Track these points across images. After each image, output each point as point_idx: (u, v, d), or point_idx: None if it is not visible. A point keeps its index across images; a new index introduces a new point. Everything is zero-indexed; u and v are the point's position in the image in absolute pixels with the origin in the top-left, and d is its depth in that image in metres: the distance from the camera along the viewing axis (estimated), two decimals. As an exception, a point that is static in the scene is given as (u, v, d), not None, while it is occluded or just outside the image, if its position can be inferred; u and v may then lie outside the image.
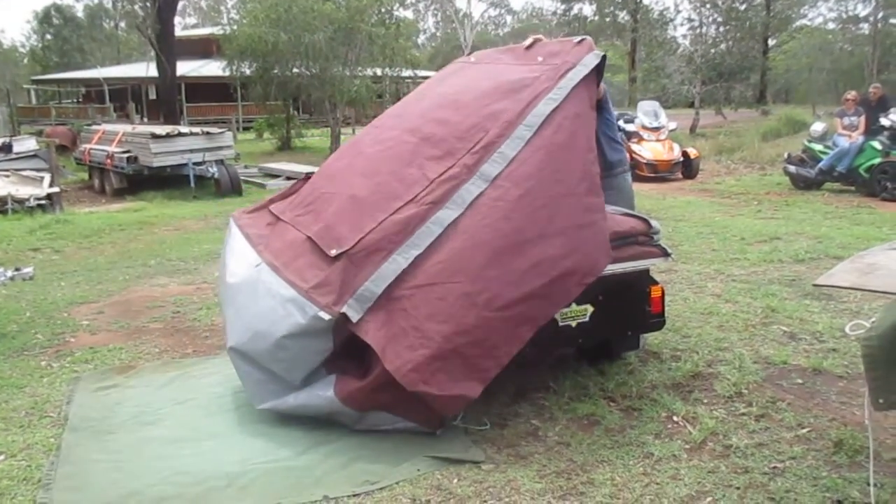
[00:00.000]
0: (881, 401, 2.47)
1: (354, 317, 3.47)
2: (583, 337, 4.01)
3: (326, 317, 3.48)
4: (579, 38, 4.14)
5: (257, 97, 22.46)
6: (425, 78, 37.39)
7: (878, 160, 11.20)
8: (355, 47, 20.06)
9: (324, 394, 3.64)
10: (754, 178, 14.51)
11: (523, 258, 3.46)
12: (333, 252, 3.66)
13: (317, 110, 25.60)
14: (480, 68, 4.73)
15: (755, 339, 4.87)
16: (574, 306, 3.86)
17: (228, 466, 3.46)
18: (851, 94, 12.22)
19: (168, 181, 13.92)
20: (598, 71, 3.97)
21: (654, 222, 4.11)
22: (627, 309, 4.13)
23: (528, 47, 4.36)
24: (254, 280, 3.94)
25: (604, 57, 4.00)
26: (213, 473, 3.40)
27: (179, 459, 3.56)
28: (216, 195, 13.41)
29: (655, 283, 4.19)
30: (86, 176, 16.36)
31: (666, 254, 4.12)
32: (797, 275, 6.47)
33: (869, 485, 3.02)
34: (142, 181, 13.86)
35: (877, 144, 11.29)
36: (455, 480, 3.28)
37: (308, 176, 4.88)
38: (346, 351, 3.65)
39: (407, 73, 23.99)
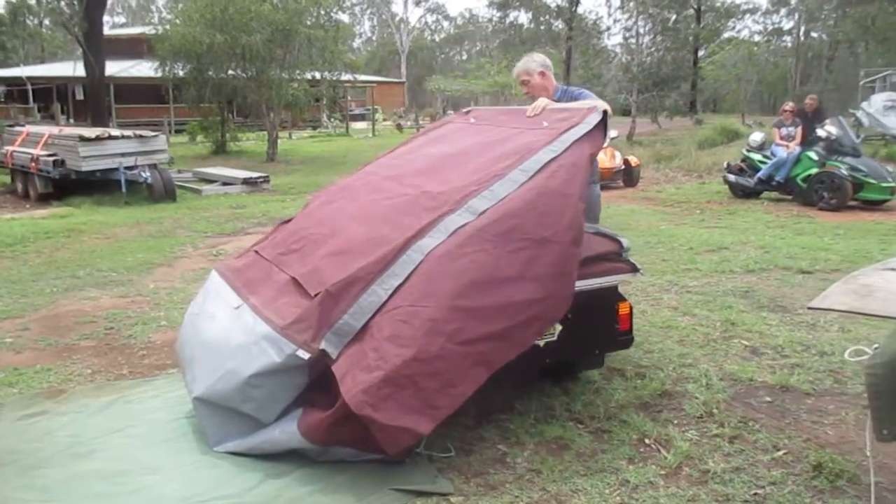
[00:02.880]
0: (885, 431, 2.35)
1: (333, 352, 3.24)
2: (550, 356, 3.83)
3: (305, 356, 3.24)
4: (590, 106, 4.01)
5: (191, 99, 21.79)
6: (365, 83, 37.07)
7: (814, 170, 11.41)
8: (293, 49, 19.69)
9: (288, 428, 3.38)
10: (693, 186, 14.68)
11: (495, 296, 3.29)
12: (315, 292, 3.46)
13: (253, 113, 24.99)
14: (483, 130, 4.58)
15: (718, 355, 4.79)
16: (542, 325, 3.68)
17: (173, 505, 3.16)
18: (789, 106, 12.46)
19: (97, 186, 13.28)
20: (603, 125, 3.88)
21: (624, 241, 3.98)
22: (596, 327, 3.97)
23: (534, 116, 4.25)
24: (232, 320, 3.68)
25: (605, 112, 3.90)
26: (157, 513, 3.10)
27: (118, 498, 3.23)
28: (149, 201, 12.86)
29: (623, 299, 4.05)
30: (8, 180, 15.49)
31: (635, 269, 3.98)
32: (750, 286, 6.46)
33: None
34: (69, 186, 13.18)
35: (813, 155, 11.51)
36: (423, 515, 3.07)
37: (287, 220, 4.65)
38: (317, 382, 3.40)
39: (346, 76, 23.67)
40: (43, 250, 8.77)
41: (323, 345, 3.27)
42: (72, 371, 4.78)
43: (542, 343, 3.74)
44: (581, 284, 3.69)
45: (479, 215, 3.50)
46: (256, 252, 4.34)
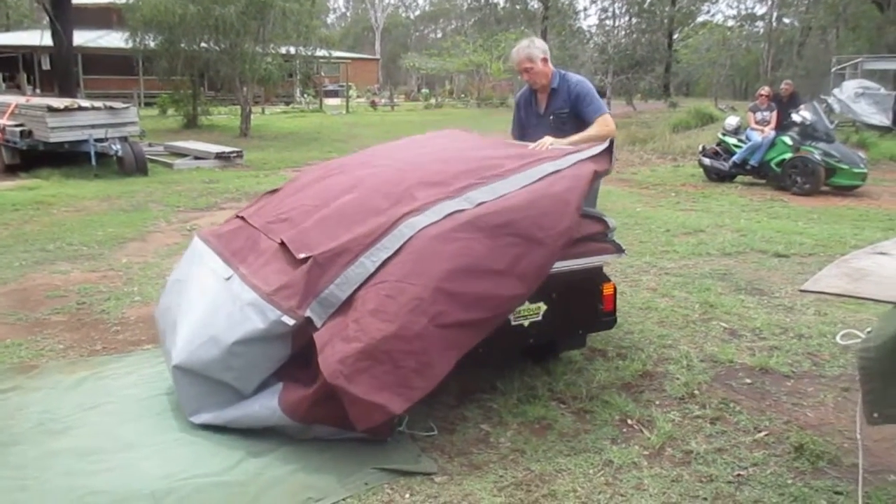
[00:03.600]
0: (876, 415, 2.35)
1: (318, 321, 3.21)
2: (534, 336, 3.81)
3: (291, 321, 3.21)
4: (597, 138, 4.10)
5: (162, 72, 21.32)
6: (339, 59, 36.60)
7: (788, 155, 11.50)
8: (268, 23, 19.36)
9: (268, 403, 3.33)
10: (668, 169, 14.73)
11: (479, 286, 3.28)
12: (302, 255, 3.41)
13: (225, 87, 24.60)
14: (484, 138, 4.80)
15: (697, 336, 4.80)
16: (527, 304, 3.65)
17: (152, 483, 3.08)
18: (765, 90, 12.52)
19: (66, 158, 12.95)
20: (609, 151, 3.97)
21: (610, 221, 3.97)
22: (580, 307, 3.95)
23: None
24: (217, 288, 3.62)
25: (611, 141, 4.00)
26: (135, 492, 3.02)
27: (94, 476, 3.16)
28: (119, 174, 12.61)
29: (608, 279, 4.03)
30: (-28, 150, 15.11)
31: (620, 250, 3.97)
32: (727, 268, 6.49)
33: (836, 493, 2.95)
34: (37, 157, 12.85)
35: (787, 140, 11.59)
36: (407, 495, 3.03)
37: (274, 190, 4.61)
38: (299, 356, 3.35)
39: (321, 52, 23.38)
40: (10, 223, 8.56)
41: (308, 313, 3.24)
42: (43, 346, 4.68)
43: (526, 323, 3.72)
44: (567, 264, 3.68)
45: (476, 205, 3.50)
46: (242, 218, 4.26)
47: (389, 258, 3.29)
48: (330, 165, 4.60)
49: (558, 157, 3.88)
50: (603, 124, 4.31)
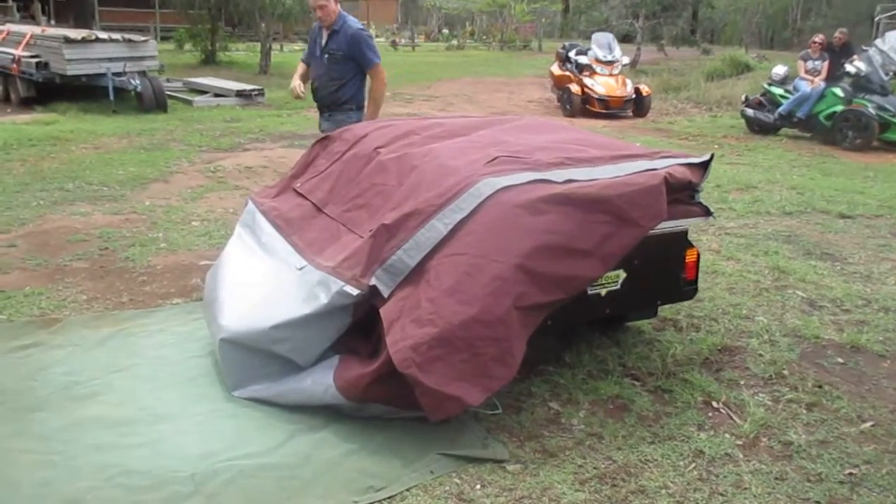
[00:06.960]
0: None
1: (385, 291, 2.86)
2: (611, 307, 3.41)
3: (354, 292, 2.87)
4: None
5: (179, 4, 20.63)
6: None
7: (839, 108, 10.90)
8: (290, -45, 18.59)
9: (322, 379, 2.98)
10: (706, 119, 14.13)
11: (561, 267, 2.93)
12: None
13: (243, 23, 23.85)
14: (569, 128, 4.52)
15: (774, 307, 4.40)
16: (607, 272, 3.25)
17: (191, 464, 2.75)
18: (819, 38, 11.85)
19: (83, 92, 12.46)
20: (705, 166, 3.52)
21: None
22: (662, 275, 3.55)
23: None
24: (291, 280, 3.25)
25: (712, 155, 3.58)
26: (173, 474, 2.69)
27: (126, 451, 2.83)
28: (138, 110, 12.13)
29: (691, 245, 3.62)
30: (-13, 81, 14.64)
31: (708, 213, 3.53)
32: (791, 230, 6.05)
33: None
34: (53, 90, 12.37)
35: (839, 91, 10.98)
36: (478, 486, 2.69)
37: (322, 140, 4.29)
38: (357, 326, 2.99)
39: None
40: (28, 159, 8.17)
41: (373, 281, 2.88)
42: (65, 296, 4.34)
43: (603, 292, 3.32)
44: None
45: (564, 182, 3.12)
46: (309, 201, 3.85)
47: (465, 221, 2.91)
48: (397, 130, 4.04)
49: (654, 158, 3.52)
50: (377, 77, 5.05)
